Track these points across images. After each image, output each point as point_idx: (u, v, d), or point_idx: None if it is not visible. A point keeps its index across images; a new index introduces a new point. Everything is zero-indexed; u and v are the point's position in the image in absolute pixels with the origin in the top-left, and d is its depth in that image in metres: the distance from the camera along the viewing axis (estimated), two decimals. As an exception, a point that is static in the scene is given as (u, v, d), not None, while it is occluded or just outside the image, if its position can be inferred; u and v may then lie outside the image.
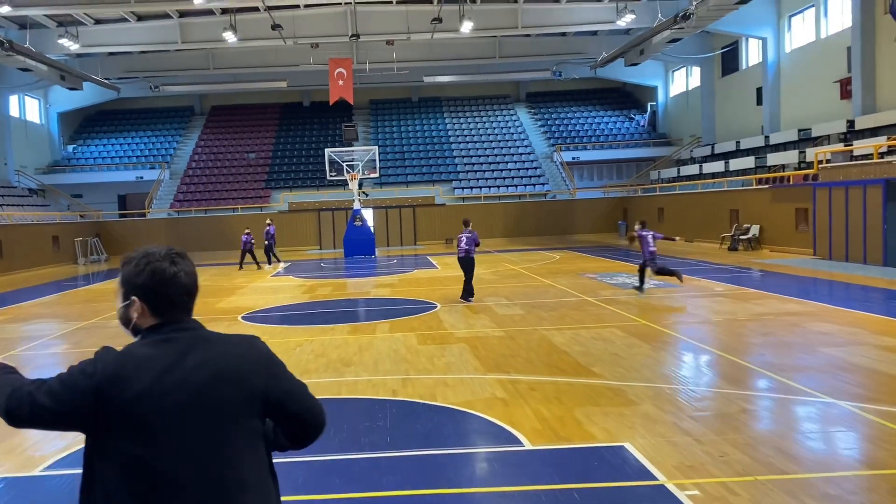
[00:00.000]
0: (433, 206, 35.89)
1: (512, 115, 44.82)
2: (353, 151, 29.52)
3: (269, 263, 24.31)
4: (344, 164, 28.38)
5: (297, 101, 45.15)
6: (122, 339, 2.05)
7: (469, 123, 43.99)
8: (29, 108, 37.38)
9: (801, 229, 21.75)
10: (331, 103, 32.15)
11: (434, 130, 43.19)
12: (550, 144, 41.58)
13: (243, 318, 13.35)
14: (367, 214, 33.41)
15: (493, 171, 39.58)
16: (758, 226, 24.19)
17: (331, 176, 29.18)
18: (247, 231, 24.11)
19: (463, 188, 38.07)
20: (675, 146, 39.07)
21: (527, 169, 39.67)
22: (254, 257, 23.62)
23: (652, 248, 14.15)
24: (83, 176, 38.23)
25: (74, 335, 12.00)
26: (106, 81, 33.70)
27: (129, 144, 41.35)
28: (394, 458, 5.67)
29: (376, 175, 29.85)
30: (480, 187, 38.17)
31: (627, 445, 5.68)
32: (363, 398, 7.44)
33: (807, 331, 10.05)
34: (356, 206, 28.56)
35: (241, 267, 23.53)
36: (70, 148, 40.62)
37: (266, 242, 24.35)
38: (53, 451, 6.00)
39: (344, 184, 30.38)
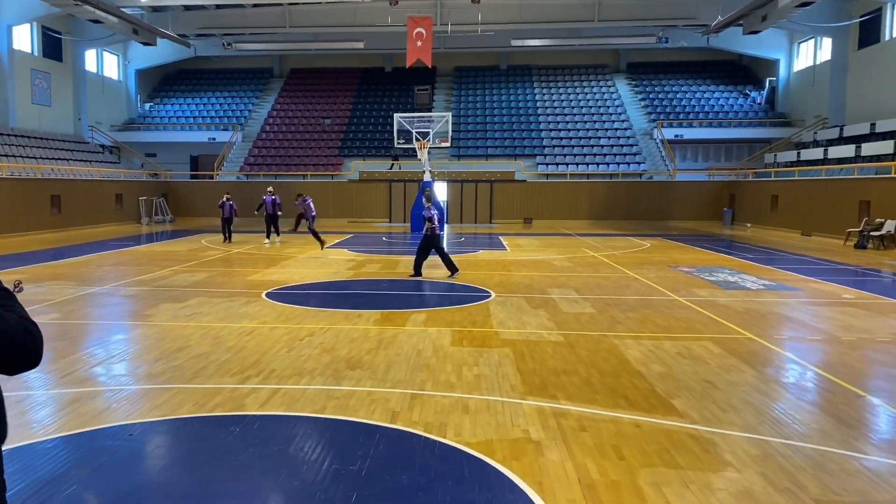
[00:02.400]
0: (512, 181, 33.69)
1: (609, 86, 41.79)
2: (426, 117, 27.65)
3: (268, 237, 21.38)
4: (414, 132, 26.59)
5: (379, 65, 43.80)
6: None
7: (561, 94, 41.34)
8: (107, 64, 37.64)
9: (953, 228, 18.33)
10: (407, 65, 30.42)
11: (521, 101, 40.81)
12: (651, 120, 38.42)
13: (268, 294, 11.86)
14: (440, 188, 31.66)
15: (583, 146, 36.91)
16: (894, 222, 20.78)
17: (398, 143, 27.50)
18: (226, 196, 21.76)
19: (548, 164, 35.65)
20: (795, 127, 35.12)
21: (621, 146, 36.77)
22: (227, 229, 21.49)
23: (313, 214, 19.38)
24: (157, 135, 38.33)
25: (72, 303, 10.83)
26: (177, 37, 33.21)
27: (204, 105, 41.18)
28: (349, 533, 3.84)
29: (447, 144, 27.95)
30: (567, 164, 35.63)
31: (715, 555, 3.62)
32: (350, 421, 5.64)
33: (982, 366, 7.48)
34: (426, 178, 26.80)
35: (228, 238, 21.46)
36: (147, 106, 40.86)
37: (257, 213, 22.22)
38: None
39: (412, 151, 28.61)
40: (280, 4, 32.69)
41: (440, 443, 5.16)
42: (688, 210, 34.15)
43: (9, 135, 27.75)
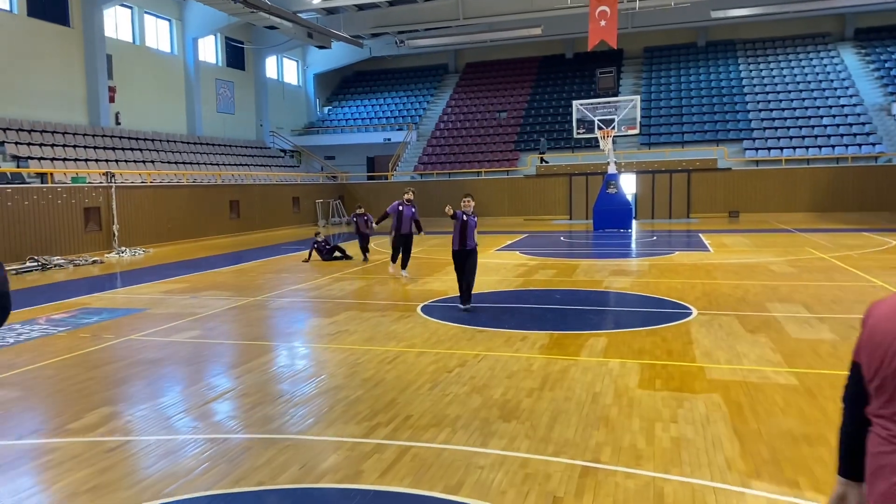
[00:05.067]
0: (714, 170, 30.41)
1: (833, 57, 36.75)
2: (610, 103, 25.44)
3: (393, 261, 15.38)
4: (596, 120, 24.57)
5: (559, 52, 42.07)
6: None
7: (772, 70, 37.02)
8: (287, 70, 39.46)
9: None
10: (589, 48, 28.40)
11: (724, 80, 37.05)
12: (888, 93, 33.08)
13: (423, 307, 10.79)
14: (628, 181, 29.35)
15: (800, 127, 32.60)
16: None
17: (578, 133, 25.59)
18: (359, 209, 17.85)
19: (757, 149, 31.83)
20: None
21: (850, 125, 31.98)
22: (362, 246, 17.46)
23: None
24: (335, 137, 39.51)
25: (218, 317, 10.43)
26: (350, 38, 33.78)
27: (380, 105, 41.91)
28: None
29: (635, 131, 25.53)
30: (781, 148, 31.59)
31: None
32: (492, 508, 4.19)
33: None
34: (611, 170, 24.71)
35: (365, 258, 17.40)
36: (326, 109, 42.38)
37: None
38: None
39: (595, 142, 26.57)
40: (451, -4, 32.16)
41: (620, 563, 3.56)
42: (941, 199, 28.84)
43: (195, 143, 29.66)
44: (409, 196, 14.16)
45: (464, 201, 10.68)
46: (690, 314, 9.82)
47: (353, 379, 7.05)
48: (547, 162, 32.78)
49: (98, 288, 13.88)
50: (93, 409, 6.22)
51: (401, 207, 14.05)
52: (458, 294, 10.76)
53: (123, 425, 5.81)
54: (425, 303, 11.25)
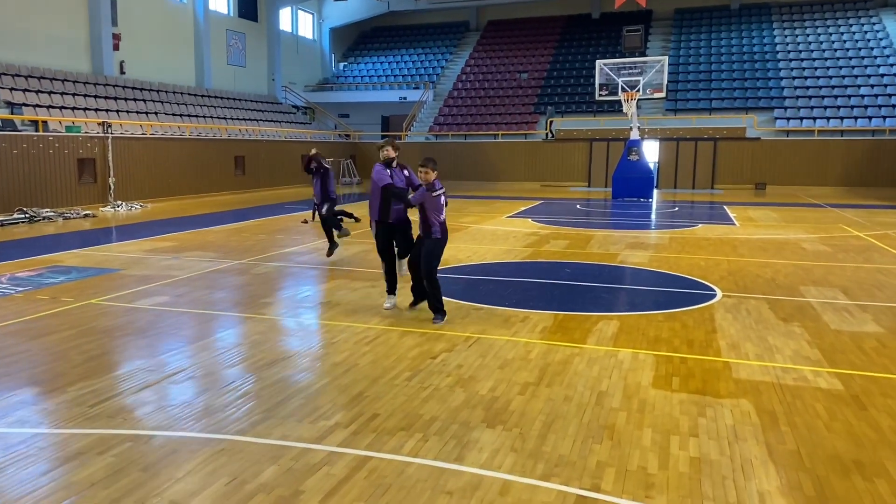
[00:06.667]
0: (742, 139, 28.89)
1: (873, 22, 34.76)
2: (636, 64, 23.90)
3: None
4: (620, 81, 23.12)
5: (585, 11, 40.26)
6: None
7: (808, 35, 35.10)
8: (302, 23, 38.08)
9: None
10: (616, 5, 26.92)
11: (756, 45, 35.20)
12: (930, 62, 31.23)
13: (420, 279, 9.78)
14: (651, 148, 27.94)
15: (836, 97, 30.85)
16: None
17: (601, 95, 24.13)
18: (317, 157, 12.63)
19: (788, 118, 30.20)
20: None
21: (889, 95, 30.20)
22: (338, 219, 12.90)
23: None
24: (350, 95, 38.21)
25: (192, 282, 9.50)
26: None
27: (396, 63, 40.46)
28: None
29: (662, 95, 24.01)
30: (815, 118, 29.92)
31: None
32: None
33: None
34: (634, 135, 23.35)
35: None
36: (341, 65, 41.01)
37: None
38: None
39: (618, 106, 25.15)
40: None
41: None
42: (982, 176, 27.20)
43: (204, 95, 28.60)
44: (389, 152, 7.63)
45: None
46: (714, 296, 8.74)
47: (322, 363, 6.10)
48: (553, 134, 31.20)
49: (78, 244, 13.02)
50: (10, 393, 5.32)
51: (388, 172, 7.65)
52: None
53: (36, 414, 4.90)
54: (422, 273, 10.23)
